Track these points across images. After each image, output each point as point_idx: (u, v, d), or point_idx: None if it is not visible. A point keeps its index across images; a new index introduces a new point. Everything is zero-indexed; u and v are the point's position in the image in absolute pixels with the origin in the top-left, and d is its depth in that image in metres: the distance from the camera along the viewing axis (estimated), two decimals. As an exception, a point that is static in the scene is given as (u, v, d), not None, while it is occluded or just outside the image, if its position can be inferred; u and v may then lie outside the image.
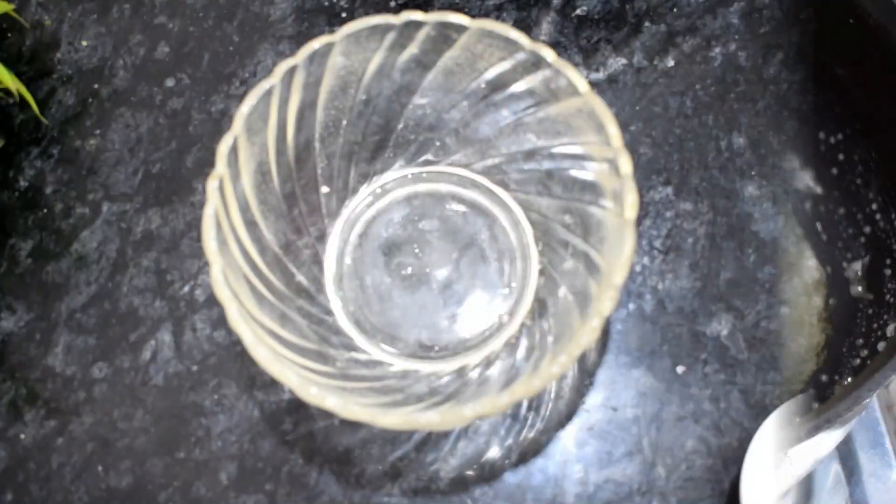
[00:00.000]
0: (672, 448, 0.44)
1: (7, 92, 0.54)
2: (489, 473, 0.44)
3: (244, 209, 0.38)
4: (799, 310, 0.45)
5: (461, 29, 0.34)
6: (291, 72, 0.39)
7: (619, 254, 0.35)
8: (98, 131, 0.54)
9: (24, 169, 0.53)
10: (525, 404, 0.45)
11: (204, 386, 0.47)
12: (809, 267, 0.47)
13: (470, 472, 0.44)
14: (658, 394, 0.45)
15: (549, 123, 0.41)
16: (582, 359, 0.46)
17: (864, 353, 0.44)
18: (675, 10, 0.55)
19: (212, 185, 0.36)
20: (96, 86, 0.55)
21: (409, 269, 0.44)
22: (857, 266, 0.46)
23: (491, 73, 0.40)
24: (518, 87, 0.40)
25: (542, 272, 0.46)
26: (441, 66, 0.39)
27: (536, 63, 0.35)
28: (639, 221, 0.48)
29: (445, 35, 0.36)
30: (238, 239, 0.38)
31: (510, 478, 0.44)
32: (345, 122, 0.44)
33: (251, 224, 0.39)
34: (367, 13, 0.39)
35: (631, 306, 0.47)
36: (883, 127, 0.47)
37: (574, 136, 0.40)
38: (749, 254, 0.47)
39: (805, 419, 0.37)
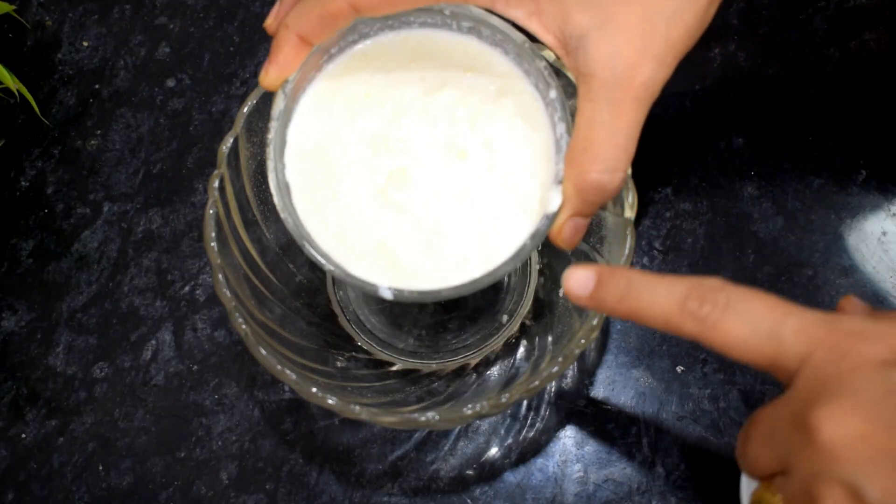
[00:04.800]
0: (672, 448, 0.44)
1: (8, 92, 0.54)
2: (489, 473, 0.44)
3: (244, 209, 0.38)
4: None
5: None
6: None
7: (619, 254, 0.35)
8: (99, 131, 0.54)
9: (25, 169, 0.54)
10: (525, 404, 0.45)
11: (204, 386, 0.47)
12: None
13: (470, 472, 0.44)
14: (657, 393, 0.45)
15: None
16: (582, 359, 0.46)
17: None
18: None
19: (213, 184, 0.36)
20: (97, 86, 0.56)
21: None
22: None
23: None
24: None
25: (541, 272, 0.47)
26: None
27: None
28: (639, 221, 0.48)
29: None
30: (238, 239, 0.38)
31: (510, 477, 0.44)
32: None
33: (251, 224, 0.39)
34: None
35: (631, 306, 0.47)
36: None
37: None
38: (749, 254, 0.47)
39: None
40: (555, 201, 0.31)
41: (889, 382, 0.24)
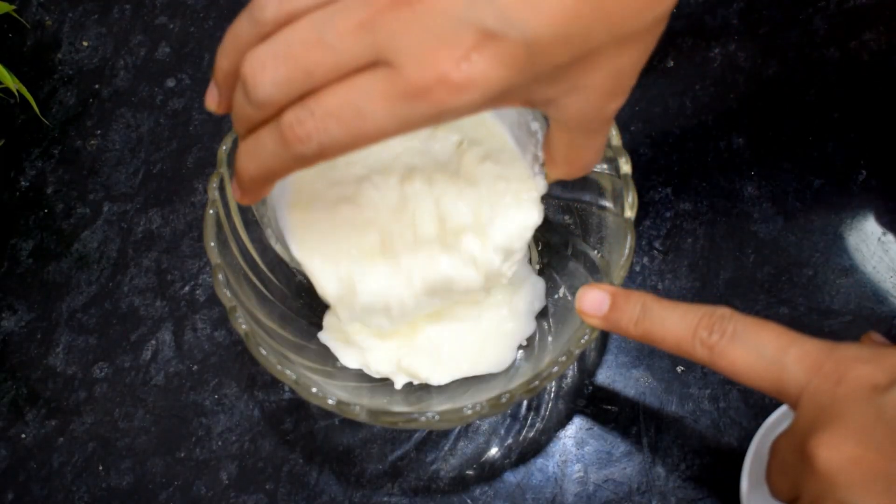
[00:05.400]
0: (671, 448, 0.44)
1: (8, 92, 0.54)
2: (489, 473, 0.44)
3: (244, 209, 0.38)
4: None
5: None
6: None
7: (619, 254, 0.35)
8: (99, 131, 0.54)
9: (25, 169, 0.54)
10: (525, 404, 0.45)
11: (204, 386, 0.47)
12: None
13: (470, 472, 0.44)
14: (657, 394, 0.45)
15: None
16: (582, 359, 0.46)
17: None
18: (674, 10, 0.55)
19: (212, 185, 0.36)
20: (97, 86, 0.55)
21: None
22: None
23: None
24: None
25: (541, 272, 0.47)
26: None
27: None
28: (639, 221, 0.48)
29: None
30: (238, 239, 0.38)
31: (510, 477, 0.44)
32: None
33: (251, 224, 0.39)
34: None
35: (631, 306, 0.47)
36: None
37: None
38: (749, 254, 0.47)
39: None
40: (541, 186, 0.34)
41: (880, 407, 0.25)
